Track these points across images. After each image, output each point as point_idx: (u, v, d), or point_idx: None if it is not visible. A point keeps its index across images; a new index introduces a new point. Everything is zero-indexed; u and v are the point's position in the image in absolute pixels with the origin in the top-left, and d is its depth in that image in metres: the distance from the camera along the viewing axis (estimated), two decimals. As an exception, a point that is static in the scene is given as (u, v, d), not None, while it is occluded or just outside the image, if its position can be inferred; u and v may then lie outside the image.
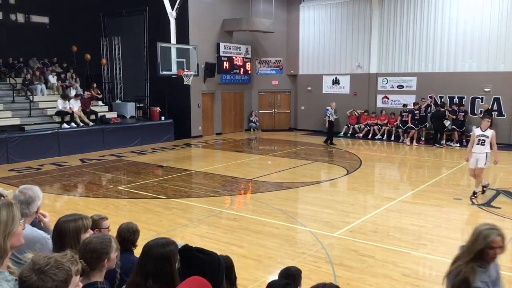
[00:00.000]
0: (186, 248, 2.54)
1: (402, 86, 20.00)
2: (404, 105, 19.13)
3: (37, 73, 17.74)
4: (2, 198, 3.75)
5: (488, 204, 9.41)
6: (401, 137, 18.85)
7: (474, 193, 9.85)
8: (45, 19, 19.05)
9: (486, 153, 9.53)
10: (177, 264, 2.59)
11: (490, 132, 9.56)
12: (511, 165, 13.65)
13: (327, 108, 18.89)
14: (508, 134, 17.45)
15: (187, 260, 2.48)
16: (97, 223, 4.29)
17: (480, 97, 18.13)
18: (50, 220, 3.38)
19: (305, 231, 7.86)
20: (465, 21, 18.19)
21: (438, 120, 17.66)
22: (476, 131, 9.77)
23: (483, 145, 9.52)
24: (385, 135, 19.71)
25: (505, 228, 8.01)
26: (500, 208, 9.08)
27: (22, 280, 1.79)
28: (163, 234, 7.48)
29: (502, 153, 12.00)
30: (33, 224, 3.32)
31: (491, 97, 17.89)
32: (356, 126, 20.67)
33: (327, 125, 18.69)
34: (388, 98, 20.39)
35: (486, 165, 9.68)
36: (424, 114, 18.27)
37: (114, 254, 2.77)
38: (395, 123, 19.38)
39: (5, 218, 2.21)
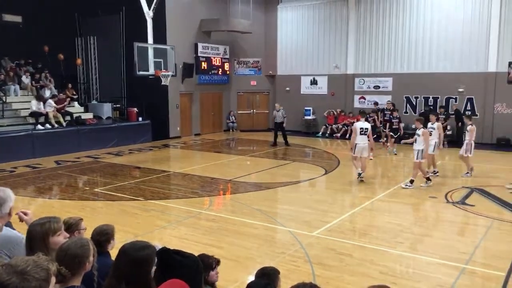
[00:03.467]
0: (164, 250, 2.52)
1: (379, 87, 20.29)
2: (375, 104, 18.39)
3: (11, 73, 17.29)
4: None
5: (462, 201, 9.62)
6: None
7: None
8: (18, 18, 18.55)
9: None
10: (153, 268, 2.54)
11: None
12: (485, 164, 13.97)
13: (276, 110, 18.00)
14: (481, 133, 17.87)
15: (165, 262, 2.45)
16: (76, 225, 4.22)
17: (454, 97, 18.54)
18: (32, 218, 3.31)
19: (284, 231, 7.88)
20: (439, 23, 18.59)
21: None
22: (358, 124, 11.56)
23: (365, 134, 11.32)
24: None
25: (478, 225, 8.28)
26: (473, 205, 9.29)
27: (2, 284, 1.76)
28: (141, 237, 7.38)
29: (475, 152, 12.31)
30: (7, 226, 3.26)
31: (465, 97, 18.33)
32: (334, 126, 20.86)
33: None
34: (364, 99, 20.66)
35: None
36: (388, 118, 16.37)
37: (92, 257, 2.73)
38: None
39: None
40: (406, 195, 10.35)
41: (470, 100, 18.26)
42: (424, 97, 19.18)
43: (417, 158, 10.72)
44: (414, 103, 19.39)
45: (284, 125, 17.74)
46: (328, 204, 9.70)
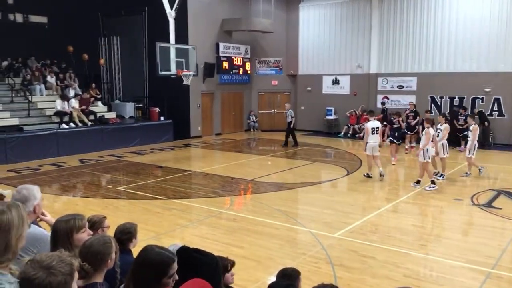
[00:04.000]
0: (183, 249, 2.51)
1: (402, 86, 19.96)
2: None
3: (36, 73, 17.68)
4: (5, 198, 3.75)
5: (489, 204, 9.37)
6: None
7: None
8: (43, 19, 18.98)
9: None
10: (171, 274, 2.41)
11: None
12: (512, 166, 13.64)
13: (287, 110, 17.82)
14: (509, 135, 17.42)
15: (185, 261, 2.44)
16: (99, 223, 4.28)
17: (480, 97, 18.10)
18: (52, 218, 3.36)
19: (305, 231, 7.82)
20: (465, 21, 18.16)
21: None
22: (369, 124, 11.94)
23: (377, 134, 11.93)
24: (385, 135, 19.63)
25: (505, 229, 8.04)
26: (501, 208, 9.04)
27: (29, 279, 1.81)
28: (163, 235, 7.45)
29: (503, 154, 11.99)
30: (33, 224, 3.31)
31: (491, 98, 17.86)
32: (356, 126, 20.63)
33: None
34: (388, 98, 20.35)
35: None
36: (411, 120, 16.45)
37: (114, 254, 2.75)
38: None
39: (17, 220, 2.22)
40: (430, 197, 10.14)
41: (497, 100, 17.78)
42: (449, 97, 18.77)
43: (423, 158, 10.60)
44: (439, 103, 18.99)
45: (292, 125, 17.54)
46: (349, 205, 9.58)
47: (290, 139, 17.57)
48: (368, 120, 12.22)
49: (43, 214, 3.36)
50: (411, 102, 17.61)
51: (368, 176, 11.85)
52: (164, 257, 2.39)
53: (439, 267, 6.35)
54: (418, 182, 10.86)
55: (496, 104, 17.82)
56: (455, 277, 5.97)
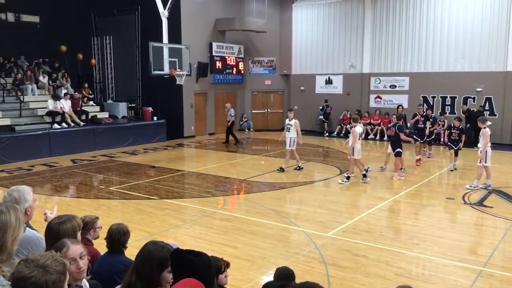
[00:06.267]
0: (177, 251, 2.53)
1: (395, 86, 20.06)
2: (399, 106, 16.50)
3: (28, 73, 17.55)
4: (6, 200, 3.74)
5: (480, 203, 9.45)
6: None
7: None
8: (35, 18, 18.84)
9: (290, 137, 12.58)
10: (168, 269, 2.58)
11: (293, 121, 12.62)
12: (504, 165, 13.72)
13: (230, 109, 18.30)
14: (500, 134, 17.55)
15: (178, 263, 2.46)
16: (92, 223, 4.28)
17: (472, 96, 18.24)
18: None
19: (298, 231, 7.84)
20: (457, 21, 18.29)
21: None
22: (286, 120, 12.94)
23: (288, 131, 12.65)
24: (378, 135, 19.76)
25: (496, 227, 8.11)
26: (492, 207, 9.11)
27: (24, 278, 1.83)
28: (156, 235, 7.42)
29: (494, 153, 12.06)
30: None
31: (483, 97, 18.00)
32: (348, 126, 20.65)
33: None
34: (381, 98, 20.45)
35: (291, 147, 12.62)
36: (422, 125, 14.56)
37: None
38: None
39: (14, 222, 2.22)
40: (422, 196, 10.21)
41: (488, 99, 17.93)
42: (441, 97, 18.90)
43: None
44: (431, 103, 19.11)
45: (229, 124, 18.11)
46: (342, 204, 9.61)
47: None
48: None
49: (45, 214, 3.40)
50: (420, 105, 16.15)
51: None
52: (166, 251, 2.60)
53: (431, 265, 6.39)
54: (348, 178, 11.34)
55: (487, 104, 17.97)
56: (447, 275, 6.01)
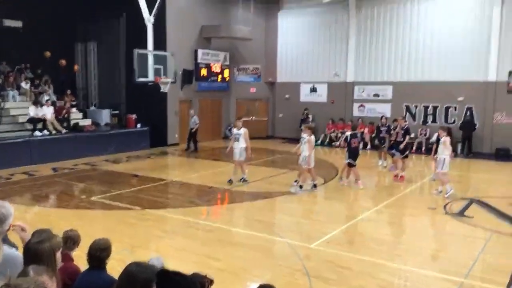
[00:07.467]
0: (163, 271, 2.55)
1: (378, 95, 20.28)
2: (382, 117, 15.89)
3: (10, 78, 17.24)
4: None
5: (461, 213, 9.55)
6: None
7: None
8: (18, 23, 18.52)
9: (241, 147, 12.06)
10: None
11: (242, 131, 12.12)
12: (484, 174, 13.94)
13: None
14: (481, 143, 17.85)
15: (164, 283, 2.48)
16: (74, 239, 4.20)
17: (453, 106, 18.53)
18: (29, 234, 3.27)
19: (282, 242, 7.81)
20: (440, 31, 18.60)
21: None
22: (233, 130, 12.40)
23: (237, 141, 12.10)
24: (361, 144, 19.83)
25: (477, 237, 8.21)
26: (472, 217, 9.22)
27: None
28: (138, 247, 7.33)
29: (475, 162, 12.25)
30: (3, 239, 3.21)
31: (464, 107, 18.31)
32: (332, 134, 20.80)
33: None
34: (364, 107, 20.64)
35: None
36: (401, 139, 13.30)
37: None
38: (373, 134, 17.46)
39: None
40: (404, 206, 10.30)
41: (469, 109, 18.24)
42: (424, 106, 19.17)
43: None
44: (413, 112, 19.38)
45: (193, 131, 18.19)
46: (326, 214, 9.64)
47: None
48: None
49: (22, 229, 3.28)
50: (401, 118, 14.51)
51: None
52: (149, 272, 2.57)
53: (413, 277, 6.43)
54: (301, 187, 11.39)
55: (468, 113, 18.27)
56: (429, 287, 6.05)
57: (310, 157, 11.25)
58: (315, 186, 11.59)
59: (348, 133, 12.99)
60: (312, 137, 11.48)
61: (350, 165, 12.02)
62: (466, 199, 10.64)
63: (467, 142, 17.73)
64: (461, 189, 11.89)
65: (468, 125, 17.88)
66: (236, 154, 12.16)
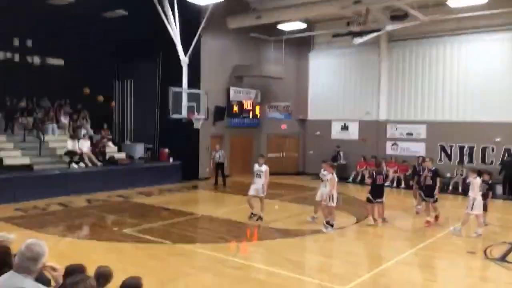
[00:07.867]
0: None
1: (412, 134, 19.96)
2: (419, 157, 15.32)
3: (51, 113, 18.01)
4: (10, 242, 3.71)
5: (502, 258, 9.07)
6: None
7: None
8: (60, 62, 19.52)
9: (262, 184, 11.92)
10: None
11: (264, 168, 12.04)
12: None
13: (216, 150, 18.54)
14: (520, 184, 17.13)
15: None
16: (106, 276, 4.20)
17: (490, 147, 18.00)
18: (61, 274, 3.30)
19: (313, 283, 7.58)
20: (475, 71, 18.29)
21: None
22: (255, 166, 12.37)
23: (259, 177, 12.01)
24: (395, 182, 19.43)
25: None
26: (515, 263, 8.73)
27: None
28: (167, 283, 7.27)
29: (505, 203, 11.71)
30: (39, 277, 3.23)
31: (502, 147, 17.75)
32: (365, 171, 20.42)
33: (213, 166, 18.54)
34: (397, 145, 20.32)
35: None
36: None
37: None
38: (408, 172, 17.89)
39: None
40: (442, 249, 9.87)
41: (507, 150, 17.66)
42: (459, 146, 18.69)
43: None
44: (449, 152, 18.91)
45: (220, 164, 18.36)
46: (360, 255, 9.34)
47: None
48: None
49: (54, 269, 3.27)
50: (428, 158, 13.12)
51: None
52: None
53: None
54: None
55: (506, 154, 17.68)
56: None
57: (333, 195, 10.96)
58: (332, 226, 11.14)
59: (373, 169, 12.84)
60: (335, 175, 11.19)
61: (369, 201, 11.79)
62: (508, 243, 10.13)
63: (508, 184, 17.05)
64: (502, 232, 11.36)
65: (508, 166, 17.25)
66: (259, 190, 12.02)
